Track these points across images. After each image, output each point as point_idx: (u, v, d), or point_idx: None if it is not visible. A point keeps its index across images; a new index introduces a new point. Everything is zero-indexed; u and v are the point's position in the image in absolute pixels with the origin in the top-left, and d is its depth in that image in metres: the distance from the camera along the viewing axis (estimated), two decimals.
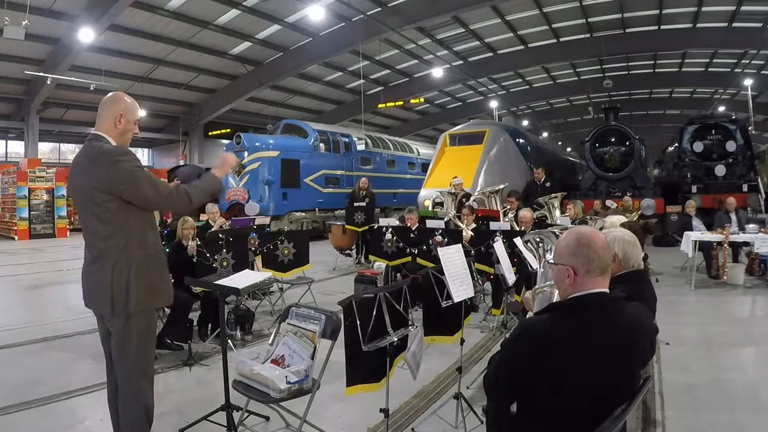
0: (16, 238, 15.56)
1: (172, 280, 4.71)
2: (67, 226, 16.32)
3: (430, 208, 10.18)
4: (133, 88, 18.45)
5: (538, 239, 3.04)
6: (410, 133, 28.98)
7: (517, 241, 4.23)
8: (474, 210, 6.96)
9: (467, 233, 6.06)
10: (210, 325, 4.93)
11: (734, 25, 16.22)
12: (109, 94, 2.47)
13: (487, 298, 6.08)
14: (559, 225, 6.01)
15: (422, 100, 22.92)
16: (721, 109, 22.81)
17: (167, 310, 4.70)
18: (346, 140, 15.78)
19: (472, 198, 8.70)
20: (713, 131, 13.55)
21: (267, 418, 3.13)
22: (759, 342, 4.84)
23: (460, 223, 6.57)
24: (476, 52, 19.99)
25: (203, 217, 7.11)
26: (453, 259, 3.06)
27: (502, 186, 9.17)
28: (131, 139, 2.48)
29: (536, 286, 2.56)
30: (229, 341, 4.44)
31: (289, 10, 15.03)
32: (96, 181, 2.26)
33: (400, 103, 21.12)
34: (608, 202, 11.99)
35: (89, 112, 19.43)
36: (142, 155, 26.99)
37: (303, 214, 13.77)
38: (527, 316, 2.56)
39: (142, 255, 2.35)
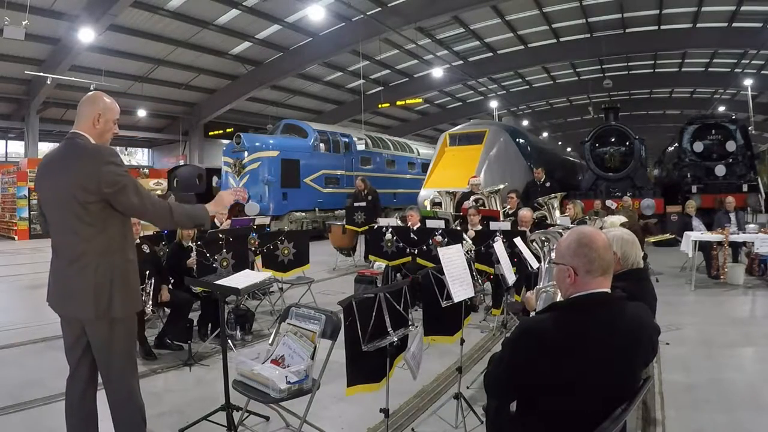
0: (16, 238, 15.55)
1: (172, 281, 4.77)
2: None
3: (428, 209, 10.18)
4: (133, 88, 18.46)
5: (543, 238, 3.04)
6: (410, 133, 28.98)
7: (517, 241, 4.24)
8: (478, 210, 6.97)
9: (470, 240, 5.99)
10: (210, 325, 4.93)
11: (734, 25, 16.22)
12: (88, 94, 2.43)
13: (487, 298, 6.07)
14: (559, 225, 6.01)
15: (421, 100, 22.91)
16: (721, 109, 22.82)
17: (167, 310, 4.70)
18: (346, 140, 15.78)
19: (471, 198, 8.69)
20: (713, 131, 13.56)
21: (267, 418, 3.13)
22: (759, 342, 4.84)
23: (467, 237, 6.38)
24: (476, 52, 19.99)
25: None
26: (453, 259, 3.06)
27: (502, 186, 9.18)
28: (111, 139, 2.42)
29: (539, 286, 2.56)
30: (229, 341, 4.44)
31: (289, 10, 15.03)
32: (83, 179, 2.18)
33: (412, 101, 21.10)
34: (608, 202, 11.99)
35: None
36: (143, 155, 27.01)
37: (303, 214, 13.77)
38: (530, 315, 2.56)
39: (123, 260, 2.31)
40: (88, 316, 2.25)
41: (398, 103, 20.52)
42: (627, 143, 13.99)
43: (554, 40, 18.70)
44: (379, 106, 19.88)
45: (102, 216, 2.24)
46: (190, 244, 5.01)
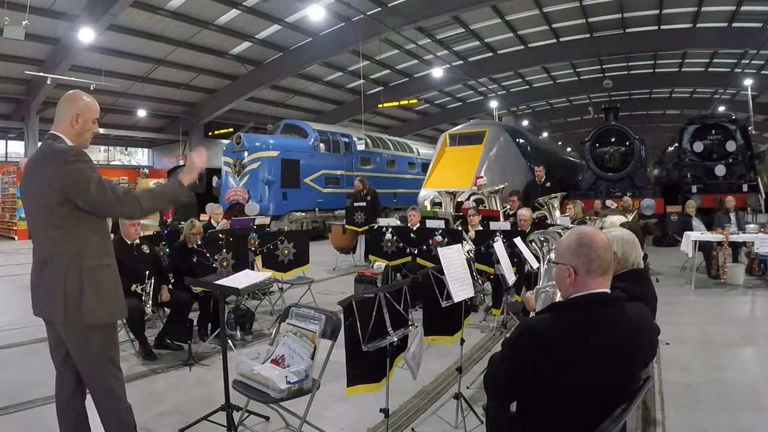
0: (16, 238, 15.56)
1: (173, 280, 4.77)
2: None
3: (428, 209, 10.19)
4: (133, 88, 18.45)
5: (542, 238, 3.04)
6: (410, 133, 28.97)
7: (517, 241, 4.24)
8: (478, 210, 6.98)
9: (470, 242, 5.98)
10: (210, 325, 4.93)
11: (734, 25, 16.21)
12: (67, 93, 2.36)
13: (487, 298, 6.07)
14: (560, 225, 6.01)
15: (420, 100, 22.89)
16: (721, 109, 22.80)
17: (167, 310, 4.70)
18: (346, 140, 15.78)
19: (472, 198, 8.69)
20: (713, 131, 13.56)
21: (267, 418, 3.13)
22: (759, 342, 4.85)
23: (467, 237, 6.38)
24: (476, 52, 19.98)
25: (203, 217, 7.11)
26: (453, 260, 3.06)
27: (502, 186, 9.18)
28: (91, 138, 2.38)
29: (539, 286, 2.55)
30: (229, 341, 4.44)
31: (289, 10, 15.02)
32: (49, 181, 2.15)
33: (409, 102, 21.12)
34: (608, 202, 11.99)
35: None
36: (142, 155, 26.98)
37: (303, 214, 13.77)
38: (530, 315, 2.56)
39: (95, 264, 2.23)
40: (57, 319, 2.20)
41: (380, 105, 20.39)
42: (627, 143, 13.99)
43: (554, 40, 18.68)
44: (379, 106, 19.86)
45: (71, 218, 2.19)
46: (194, 245, 5.00)
